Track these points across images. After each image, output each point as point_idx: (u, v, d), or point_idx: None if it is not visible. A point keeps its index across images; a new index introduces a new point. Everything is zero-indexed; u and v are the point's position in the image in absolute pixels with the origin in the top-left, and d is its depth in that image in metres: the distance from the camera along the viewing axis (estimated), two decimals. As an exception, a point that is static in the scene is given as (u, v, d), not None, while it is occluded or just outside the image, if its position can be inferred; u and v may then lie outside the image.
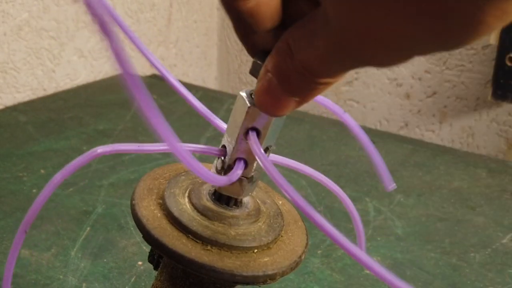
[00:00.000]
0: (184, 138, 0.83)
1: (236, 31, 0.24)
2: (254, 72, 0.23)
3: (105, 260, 0.50)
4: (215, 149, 0.28)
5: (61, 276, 0.47)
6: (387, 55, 0.18)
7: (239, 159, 0.26)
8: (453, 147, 1.12)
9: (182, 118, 0.86)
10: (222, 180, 0.26)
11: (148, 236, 0.26)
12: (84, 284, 0.46)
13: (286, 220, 0.30)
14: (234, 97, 0.23)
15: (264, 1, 0.21)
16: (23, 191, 0.60)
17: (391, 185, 0.29)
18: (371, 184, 0.68)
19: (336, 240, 0.21)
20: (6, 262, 0.27)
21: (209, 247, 0.26)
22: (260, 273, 0.26)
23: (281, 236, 0.29)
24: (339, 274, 0.50)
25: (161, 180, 0.30)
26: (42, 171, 0.65)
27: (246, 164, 0.26)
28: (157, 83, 1.03)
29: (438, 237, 0.58)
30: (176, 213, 0.27)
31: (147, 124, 0.19)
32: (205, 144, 0.80)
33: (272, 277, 0.26)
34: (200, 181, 0.30)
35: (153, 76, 1.09)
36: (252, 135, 0.25)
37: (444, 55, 1.14)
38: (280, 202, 0.32)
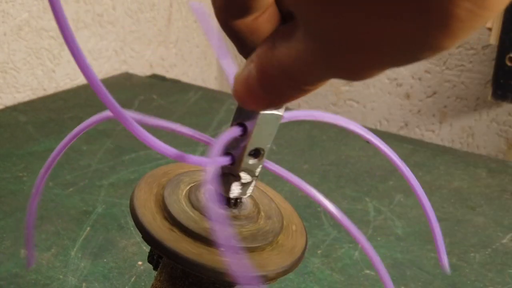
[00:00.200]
0: (184, 138, 0.83)
1: (241, 53, 0.23)
2: None
3: (105, 260, 0.50)
4: (206, 136, 0.27)
5: (61, 276, 0.47)
6: (361, 62, 0.17)
7: (227, 153, 0.26)
8: (453, 147, 1.12)
9: (182, 118, 0.86)
10: (171, 151, 0.25)
11: (147, 236, 0.26)
12: (84, 284, 0.46)
13: (285, 220, 0.30)
14: (263, 110, 0.23)
15: (262, 16, 0.20)
16: (23, 191, 0.60)
17: (447, 268, 0.28)
18: (371, 184, 0.68)
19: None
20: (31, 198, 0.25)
21: (208, 247, 0.26)
22: (260, 273, 0.26)
23: (281, 236, 0.29)
24: (339, 274, 0.50)
25: (161, 180, 0.30)
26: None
27: (234, 161, 0.26)
28: (157, 83, 1.03)
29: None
30: (175, 213, 0.27)
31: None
32: (204, 144, 0.80)
33: (271, 277, 0.26)
34: (200, 181, 0.30)
35: (153, 76, 1.09)
36: (233, 129, 0.25)
37: (444, 55, 1.14)
38: (280, 203, 0.32)
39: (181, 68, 1.26)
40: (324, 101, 1.31)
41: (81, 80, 1.01)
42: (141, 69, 1.14)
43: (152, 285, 0.30)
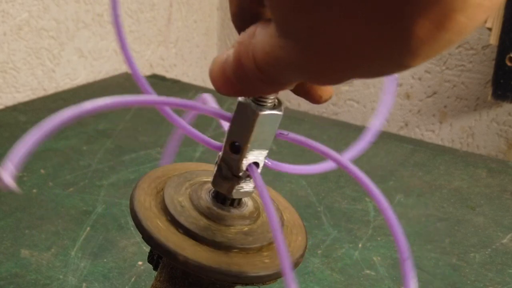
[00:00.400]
0: (184, 138, 0.83)
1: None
2: None
3: (105, 260, 0.50)
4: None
5: (61, 276, 0.47)
6: (328, 66, 0.17)
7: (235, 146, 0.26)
8: (453, 147, 1.12)
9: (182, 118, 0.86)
10: (215, 145, 0.25)
11: (147, 237, 0.26)
12: (84, 284, 0.46)
13: (285, 220, 0.30)
14: (234, 97, 0.23)
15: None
16: (23, 191, 0.60)
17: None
18: (371, 184, 0.68)
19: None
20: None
21: (208, 247, 0.26)
22: (260, 274, 0.26)
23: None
24: (339, 274, 0.50)
25: (161, 180, 0.30)
26: (42, 171, 0.65)
27: (257, 165, 0.26)
28: (157, 83, 1.03)
29: (438, 237, 0.58)
30: (175, 213, 0.27)
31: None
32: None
33: (271, 278, 0.26)
34: (200, 181, 0.30)
35: (153, 76, 1.09)
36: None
37: (444, 55, 1.14)
38: (280, 203, 0.32)
39: (181, 68, 1.26)
40: (324, 101, 1.31)
41: (81, 80, 1.01)
42: (141, 69, 1.14)
43: (152, 285, 0.30)
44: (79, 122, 0.84)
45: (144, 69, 1.15)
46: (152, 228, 0.26)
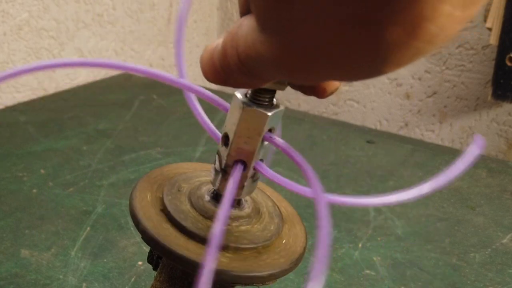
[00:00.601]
0: (184, 138, 0.83)
1: None
2: None
3: (105, 260, 0.50)
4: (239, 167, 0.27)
5: (61, 276, 0.47)
6: (304, 65, 0.17)
7: (238, 160, 0.26)
8: (453, 147, 1.12)
9: (182, 118, 0.86)
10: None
11: (146, 237, 0.26)
12: (84, 284, 0.46)
13: (285, 220, 0.30)
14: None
15: None
16: (23, 191, 0.60)
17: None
18: (371, 184, 0.68)
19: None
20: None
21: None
22: (260, 274, 0.26)
23: (280, 237, 0.29)
24: (339, 274, 0.50)
25: (161, 180, 0.30)
26: (42, 171, 0.65)
27: (245, 166, 0.26)
28: (157, 83, 1.03)
29: (438, 237, 0.58)
30: (175, 213, 0.27)
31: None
32: (204, 144, 0.80)
33: (271, 278, 0.26)
34: (200, 182, 0.30)
35: (153, 76, 1.09)
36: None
37: (444, 55, 1.14)
38: (279, 203, 0.32)
39: (181, 68, 1.26)
40: (324, 101, 1.31)
41: (81, 80, 1.01)
42: (141, 69, 1.14)
43: (152, 285, 0.30)
44: (79, 122, 0.84)
45: (144, 69, 1.15)
46: (151, 228, 0.26)
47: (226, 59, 0.20)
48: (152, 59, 1.17)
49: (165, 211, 0.27)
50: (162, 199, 0.28)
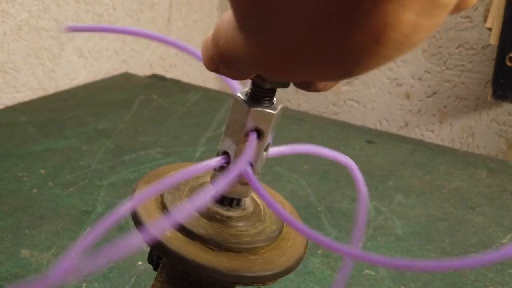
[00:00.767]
0: (184, 138, 0.83)
1: None
2: None
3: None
4: (222, 158, 0.26)
5: (61, 276, 0.47)
6: (282, 65, 0.18)
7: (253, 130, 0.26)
8: (453, 147, 1.12)
9: (182, 118, 0.86)
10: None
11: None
12: (84, 284, 0.46)
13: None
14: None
15: None
16: (23, 191, 0.60)
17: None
18: (371, 184, 0.68)
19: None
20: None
21: (208, 248, 0.26)
22: (260, 274, 0.26)
23: (281, 237, 0.29)
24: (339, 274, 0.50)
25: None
26: (42, 171, 0.65)
27: (251, 165, 0.26)
28: (157, 83, 1.03)
29: (438, 237, 0.58)
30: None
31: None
32: (204, 144, 0.80)
33: (271, 278, 0.26)
34: (200, 182, 0.30)
35: (153, 76, 1.09)
36: (252, 137, 0.25)
37: (444, 55, 1.14)
38: (280, 202, 0.32)
39: (181, 68, 1.26)
40: (324, 101, 1.31)
41: (81, 80, 1.01)
42: (141, 69, 1.14)
43: (152, 285, 0.30)
44: (79, 122, 0.84)
45: (144, 69, 1.15)
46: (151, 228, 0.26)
47: (215, 50, 0.21)
48: (152, 59, 1.17)
49: (166, 211, 0.27)
50: (162, 200, 0.28)
